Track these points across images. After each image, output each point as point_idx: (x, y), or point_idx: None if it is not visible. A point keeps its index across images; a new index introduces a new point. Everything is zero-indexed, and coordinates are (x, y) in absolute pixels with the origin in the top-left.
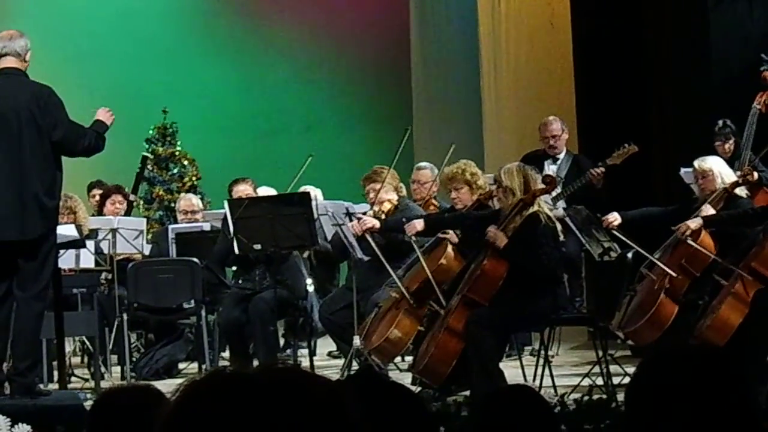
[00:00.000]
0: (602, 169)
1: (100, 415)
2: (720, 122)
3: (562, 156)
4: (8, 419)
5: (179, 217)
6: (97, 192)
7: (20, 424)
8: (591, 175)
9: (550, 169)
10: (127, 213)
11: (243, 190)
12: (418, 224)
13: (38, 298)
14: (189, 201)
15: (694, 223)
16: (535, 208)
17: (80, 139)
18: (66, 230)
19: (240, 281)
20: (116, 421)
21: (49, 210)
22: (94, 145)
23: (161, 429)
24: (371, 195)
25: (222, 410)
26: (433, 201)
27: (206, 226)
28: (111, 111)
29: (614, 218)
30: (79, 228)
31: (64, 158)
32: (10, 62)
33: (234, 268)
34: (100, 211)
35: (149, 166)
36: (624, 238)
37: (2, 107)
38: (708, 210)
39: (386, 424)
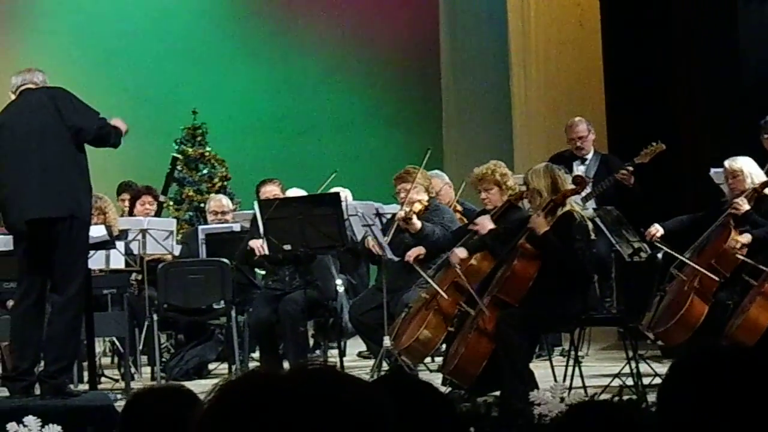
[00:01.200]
0: (630, 168)
1: (132, 416)
2: None
3: (590, 156)
4: (39, 420)
5: (209, 217)
6: (126, 195)
7: (51, 424)
8: (620, 175)
9: (579, 169)
10: (157, 214)
11: (270, 190)
12: (461, 253)
13: (72, 303)
14: (219, 202)
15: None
16: (567, 207)
17: (95, 121)
18: (96, 231)
19: (270, 282)
20: (148, 421)
21: (70, 198)
22: (108, 134)
23: (196, 429)
24: (402, 195)
25: (257, 411)
26: (457, 206)
27: (236, 227)
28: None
29: (656, 230)
30: (109, 229)
31: (93, 158)
32: (27, 86)
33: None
34: (130, 212)
35: (179, 167)
36: (667, 249)
37: (20, 116)
38: (743, 204)
39: (417, 424)
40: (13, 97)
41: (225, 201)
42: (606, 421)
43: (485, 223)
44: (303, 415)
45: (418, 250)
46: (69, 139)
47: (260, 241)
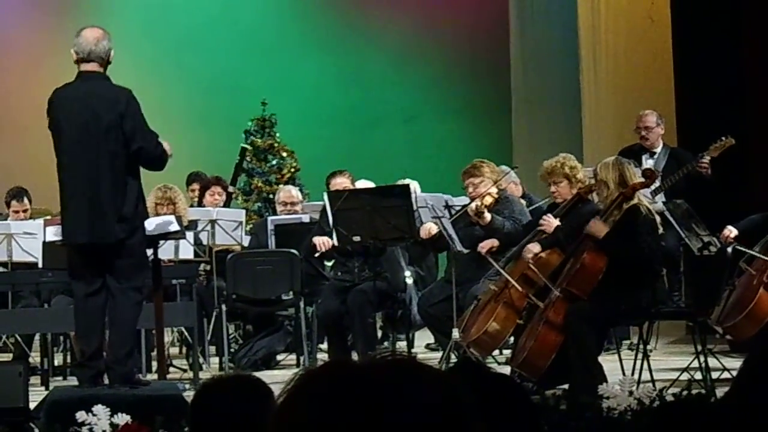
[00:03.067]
0: (708, 158)
1: (203, 405)
2: None
3: (659, 150)
4: (108, 409)
5: (279, 208)
6: (196, 185)
7: (119, 414)
8: (699, 166)
9: (648, 163)
10: (226, 204)
11: (340, 182)
12: (534, 248)
13: (135, 290)
14: (288, 192)
15: None
16: (635, 201)
17: (155, 147)
18: (166, 221)
19: (338, 273)
20: (218, 410)
21: (126, 217)
22: (162, 159)
23: (275, 415)
24: (470, 189)
25: (338, 399)
26: (523, 201)
27: (305, 218)
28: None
29: (730, 231)
30: (178, 219)
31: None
32: (92, 66)
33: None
34: (199, 203)
35: (248, 158)
36: (744, 249)
37: (81, 112)
38: None
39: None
40: (73, 58)
41: (294, 192)
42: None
43: (551, 222)
44: (384, 405)
45: (491, 242)
46: (121, 156)
47: (324, 237)
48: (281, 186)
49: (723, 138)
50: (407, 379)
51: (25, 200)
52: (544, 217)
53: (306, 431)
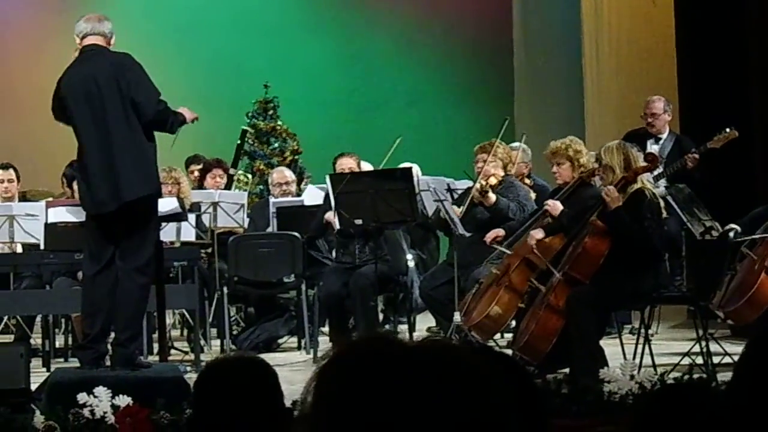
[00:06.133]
0: (697, 155)
1: (207, 385)
2: None
3: (664, 136)
4: (109, 391)
5: (274, 190)
6: (195, 167)
7: (121, 395)
8: (687, 159)
9: (653, 148)
10: (227, 187)
11: (347, 163)
12: (537, 234)
13: (140, 272)
14: (281, 173)
15: None
16: (639, 185)
17: (156, 103)
18: (168, 203)
19: (340, 256)
20: (222, 391)
21: (144, 176)
22: (167, 117)
23: (314, 383)
24: (479, 164)
25: (377, 373)
26: (527, 180)
27: (307, 201)
28: (197, 116)
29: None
30: (181, 201)
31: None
32: (94, 39)
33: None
34: (200, 185)
35: (250, 140)
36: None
37: (85, 81)
38: None
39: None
40: (77, 41)
41: (287, 172)
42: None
43: (557, 206)
44: (429, 388)
45: (496, 232)
46: (131, 116)
47: (332, 212)
48: (274, 168)
49: (727, 130)
50: (453, 364)
51: (11, 171)
52: (549, 201)
53: (344, 403)
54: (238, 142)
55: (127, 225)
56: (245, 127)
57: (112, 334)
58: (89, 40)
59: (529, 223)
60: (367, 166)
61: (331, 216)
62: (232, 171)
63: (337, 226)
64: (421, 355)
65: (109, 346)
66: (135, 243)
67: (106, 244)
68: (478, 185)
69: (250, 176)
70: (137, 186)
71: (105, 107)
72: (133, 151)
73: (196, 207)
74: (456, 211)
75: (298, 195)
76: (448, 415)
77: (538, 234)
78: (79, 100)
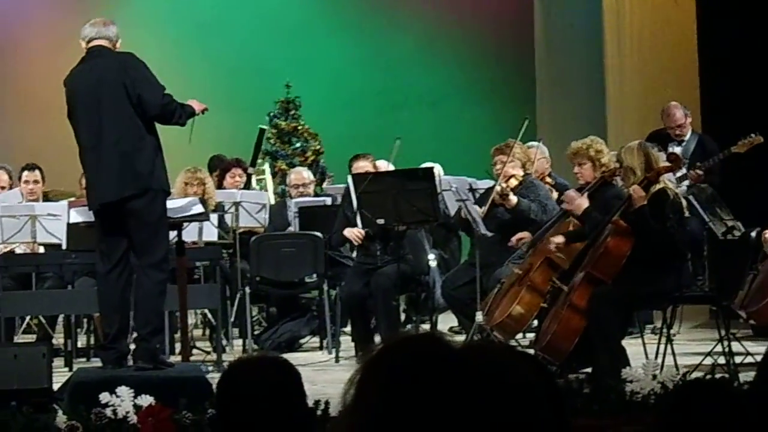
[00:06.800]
0: (699, 172)
1: (231, 385)
2: None
3: (687, 136)
4: (131, 390)
5: (292, 192)
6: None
7: (143, 395)
8: (689, 176)
9: (676, 149)
10: (246, 186)
11: (363, 166)
12: (558, 239)
13: (156, 268)
14: (299, 174)
15: None
16: (661, 185)
17: (160, 97)
18: (190, 203)
19: (361, 256)
20: (246, 390)
21: (144, 174)
22: (173, 111)
23: (357, 377)
24: (498, 166)
25: (423, 370)
26: (547, 178)
27: (328, 200)
28: (206, 106)
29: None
30: (204, 201)
31: (185, 129)
32: (99, 42)
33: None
34: (219, 185)
35: (271, 140)
36: None
37: (88, 80)
38: None
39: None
40: (83, 46)
41: (305, 173)
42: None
43: (581, 203)
44: (478, 387)
45: (522, 235)
46: (134, 116)
47: (355, 229)
48: (292, 169)
49: (752, 135)
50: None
51: (37, 172)
52: (567, 192)
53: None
54: (256, 141)
55: (135, 222)
56: (263, 126)
57: (134, 333)
58: (94, 44)
59: (552, 221)
60: (385, 165)
61: (350, 233)
62: (251, 170)
63: (359, 240)
64: (467, 356)
65: (132, 345)
66: (146, 240)
67: (116, 241)
68: (498, 188)
69: (268, 169)
70: (134, 184)
71: (106, 106)
72: (135, 150)
73: (219, 207)
74: (478, 211)
75: (317, 195)
76: (490, 415)
77: (557, 239)
78: (81, 99)
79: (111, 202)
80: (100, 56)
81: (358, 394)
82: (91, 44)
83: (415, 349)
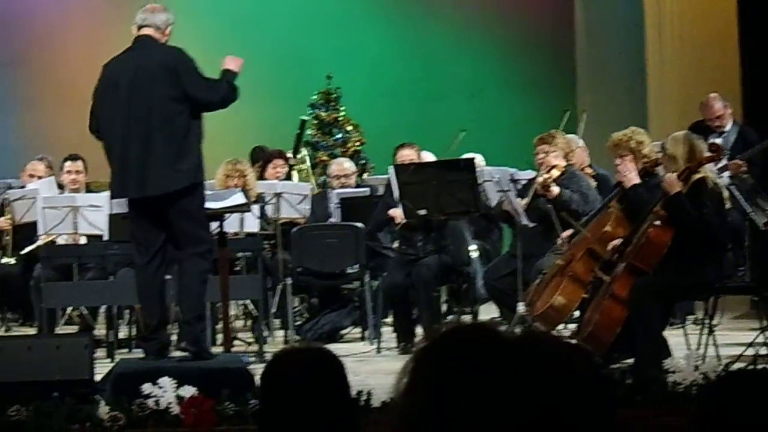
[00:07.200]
0: (742, 162)
1: (275, 376)
2: None
3: (728, 127)
4: (174, 381)
5: (333, 182)
6: (259, 159)
7: (185, 386)
8: (730, 166)
9: (716, 140)
10: (288, 177)
11: (408, 154)
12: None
13: (201, 257)
14: (341, 165)
15: None
16: (701, 174)
17: (216, 92)
18: (232, 194)
19: (403, 247)
20: (290, 382)
21: (181, 170)
22: (228, 96)
23: (410, 366)
24: (540, 156)
25: (476, 360)
26: (587, 169)
27: (368, 191)
28: (240, 59)
29: None
30: (246, 192)
31: (228, 123)
32: (146, 31)
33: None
34: (261, 176)
35: (312, 131)
36: None
37: (128, 71)
38: None
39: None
40: (134, 32)
41: (347, 164)
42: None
43: (631, 177)
44: (532, 378)
45: (569, 232)
46: (185, 109)
47: (397, 209)
48: (334, 160)
49: None
50: (552, 356)
51: (79, 162)
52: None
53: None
54: (298, 131)
55: (178, 215)
56: (304, 117)
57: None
58: (142, 32)
59: (593, 214)
60: (428, 156)
61: (394, 212)
62: (292, 161)
63: (403, 219)
64: (522, 344)
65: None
66: (191, 231)
67: (155, 233)
68: (540, 179)
69: (308, 159)
70: (170, 183)
71: (151, 98)
72: (171, 148)
73: (260, 199)
74: (520, 202)
75: (358, 186)
76: (542, 404)
77: (615, 243)
78: (123, 87)
79: (157, 196)
80: (146, 48)
81: (412, 382)
82: (140, 32)
83: (470, 338)
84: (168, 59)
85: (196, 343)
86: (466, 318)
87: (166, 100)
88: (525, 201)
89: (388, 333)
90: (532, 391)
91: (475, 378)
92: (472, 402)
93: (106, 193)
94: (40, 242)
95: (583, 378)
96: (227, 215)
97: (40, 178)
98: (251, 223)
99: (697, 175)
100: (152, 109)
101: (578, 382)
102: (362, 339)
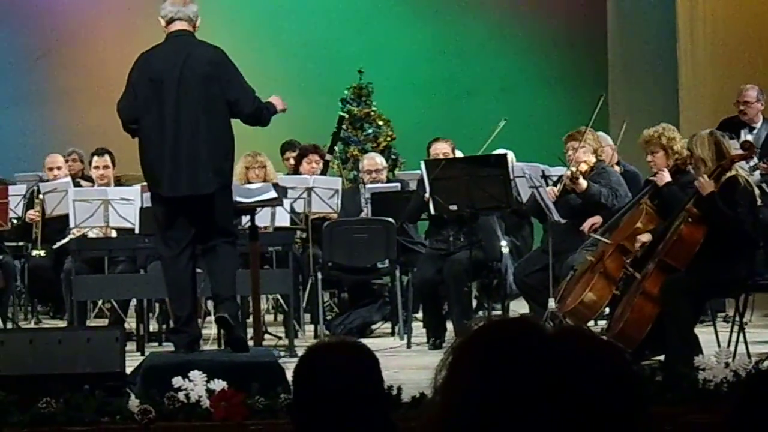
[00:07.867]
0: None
1: (309, 369)
2: None
3: (758, 125)
4: (204, 375)
5: (364, 177)
6: (290, 154)
7: (216, 379)
8: (759, 166)
9: (747, 137)
10: (323, 173)
11: (441, 148)
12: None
13: (232, 245)
14: (372, 160)
15: None
16: (733, 172)
17: (252, 100)
18: (265, 188)
19: (434, 242)
20: (325, 375)
21: (222, 169)
22: (262, 112)
23: (449, 358)
24: (570, 152)
25: (515, 354)
26: (616, 167)
27: (399, 186)
28: (285, 104)
29: None
30: (275, 186)
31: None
32: (181, 25)
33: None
34: (296, 170)
35: (344, 126)
36: None
37: (174, 67)
38: None
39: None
40: (162, 24)
41: (378, 159)
42: None
43: (663, 176)
44: (569, 374)
45: (594, 220)
46: (223, 110)
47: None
48: (365, 155)
49: None
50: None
51: (107, 157)
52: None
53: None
54: (335, 128)
55: (210, 212)
56: (342, 113)
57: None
58: (176, 26)
59: (624, 209)
60: (458, 153)
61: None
62: (328, 157)
63: (432, 211)
64: (560, 339)
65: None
66: (223, 226)
67: (186, 227)
68: (569, 172)
69: (338, 161)
70: (214, 181)
71: (193, 96)
72: (216, 145)
73: (282, 191)
74: (551, 195)
75: (389, 181)
76: (580, 398)
77: (644, 237)
78: (166, 85)
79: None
80: (189, 44)
81: (451, 375)
82: (172, 26)
83: (510, 331)
84: (216, 59)
85: (234, 315)
86: (496, 313)
87: (215, 101)
88: (553, 190)
89: (418, 328)
90: (570, 385)
91: (516, 372)
92: (512, 395)
93: (137, 187)
94: (71, 236)
95: (618, 374)
96: (258, 209)
97: (59, 169)
98: (282, 218)
99: (729, 173)
100: (203, 109)
101: (613, 378)
102: (392, 334)
